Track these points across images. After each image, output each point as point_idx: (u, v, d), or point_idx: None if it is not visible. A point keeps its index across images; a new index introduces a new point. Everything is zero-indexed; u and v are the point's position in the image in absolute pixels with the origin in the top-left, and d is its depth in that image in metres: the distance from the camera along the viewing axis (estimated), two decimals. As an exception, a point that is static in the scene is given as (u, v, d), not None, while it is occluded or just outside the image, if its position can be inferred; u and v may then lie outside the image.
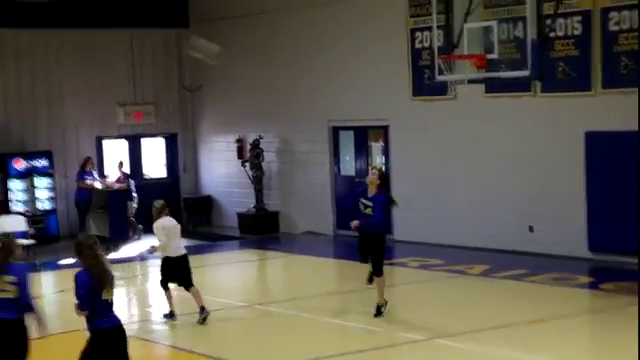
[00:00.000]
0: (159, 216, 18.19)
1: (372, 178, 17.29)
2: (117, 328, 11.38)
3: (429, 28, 23.24)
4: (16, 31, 30.16)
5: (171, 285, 18.03)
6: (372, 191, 17.12)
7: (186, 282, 17.91)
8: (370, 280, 17.27)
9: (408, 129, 26.13)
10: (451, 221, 24.82)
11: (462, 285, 21.07)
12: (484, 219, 24.09)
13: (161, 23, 32.63)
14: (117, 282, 18.38)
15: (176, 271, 17.93)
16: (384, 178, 17.72)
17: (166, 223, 18.01)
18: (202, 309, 17.67)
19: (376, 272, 17.10)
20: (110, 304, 11.39)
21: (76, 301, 11.17)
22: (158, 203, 18.88)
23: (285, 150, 29.93)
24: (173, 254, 17.89)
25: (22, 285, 11.80)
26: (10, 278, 11.81)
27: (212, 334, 17.89)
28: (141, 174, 32.31)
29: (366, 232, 17.18)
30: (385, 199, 17.34)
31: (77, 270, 11.32)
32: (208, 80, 32.41)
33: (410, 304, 19.76)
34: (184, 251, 18.14)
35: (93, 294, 11.15)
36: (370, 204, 17.00)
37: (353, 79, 27.47)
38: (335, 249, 26.76)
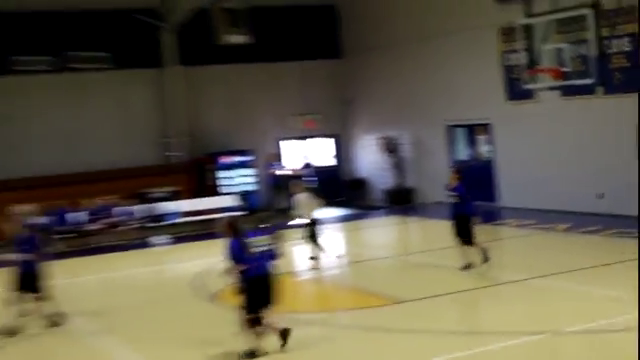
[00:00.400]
0: (297, 192, 19.07)
1: (452, 176, 17.23)
2: (263, 275, 11.63)
3: (516, 50, 22.94)
4: (223, 66, 30.71)
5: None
6: (453, 184, 16.94)
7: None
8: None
9: (505, 125, 25.78)
10: (541, 190, 24.32)
11: (550, 239, 20.71)
12: (566, 189, 23.54)
13: (322, 56, 32.73)
14: (296, 240, 18.86)
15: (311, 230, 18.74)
16: (460, 173, 17.32)
17: (301, 198, 18.83)
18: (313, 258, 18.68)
19: (470, 244, 16.64)
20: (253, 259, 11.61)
21: (231, 261, 11.53)
22: (295, 184, 20.08)
23: (416, 143, 29.71)
24: (308, 219, 18.67)
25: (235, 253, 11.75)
26: None
27: (366, 275, 18.17)
28: (314, 164, 32.06)
29: (458, 215, 16.72)
30: (464, 187, 16.89)
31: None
32: (358, 95, 32.47)
33: (510, 253, 19.84)
34: (314, 217, 18.84)
35: (244, 254, 11.49)
36: (456, 194, 16.77)
37: (462, 90, 27.19)
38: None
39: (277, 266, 12.18)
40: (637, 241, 16.01)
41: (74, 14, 28.62)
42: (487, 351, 11.16)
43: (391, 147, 30.33)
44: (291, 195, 20.08)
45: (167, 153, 30.33)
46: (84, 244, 25.00)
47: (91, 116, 29.39)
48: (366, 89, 31.98)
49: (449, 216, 17.10)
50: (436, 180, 28.32)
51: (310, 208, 18.91)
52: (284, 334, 11.60)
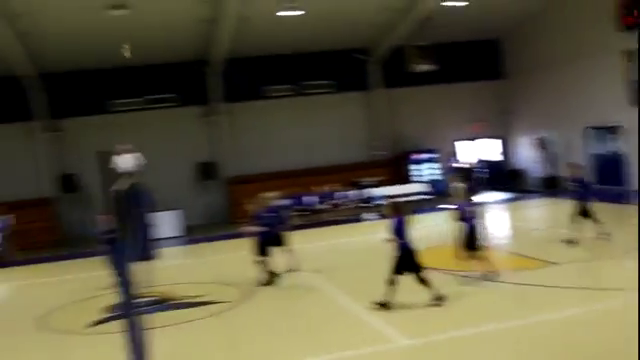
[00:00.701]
0: (455, 183, 18.44)
1: (571, 170, 16.83)
2: (411, 248, 11.59)
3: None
4: (415, 87, 30.61)
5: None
6: (573, 175, 16.48)
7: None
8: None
9: (633, 126, 24.30)
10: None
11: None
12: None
13: (488, 78, 32.09)
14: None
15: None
16: (577, 166, 16.98)
17: (456, 187, 17.99)
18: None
19: (595, 221, 15.95)
20: (408, 235, 11.60)
21: (393, 235, 11.54)
22: (453, 176, 20.10)
23: (562, 141, 28.59)
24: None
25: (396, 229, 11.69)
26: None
27: (524, 243, 17.67)
28: (483, 160, 31.64)
29: (580, 201, 16.09)
30: (582, 178, 16.39)
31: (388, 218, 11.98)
32: (517, 106, 31.67)
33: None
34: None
35: (403, 230, 11.55)
36: (575, 183, 16.23)
37: (597, 99, 26.12)
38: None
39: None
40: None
41: (307, 55, 29.59)
42: (617, 305, 10.81)
43: (543, 145, 29.47)
44: (449, 185, 20.02)
45: (374, 152, 30.73)
46: (315, 219, 25.80)
47: (320, 127, 30.26)
48: (523, 101, 31.17)
49: (574, 199, 16.44)
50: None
51: (463, 196, 18.61)
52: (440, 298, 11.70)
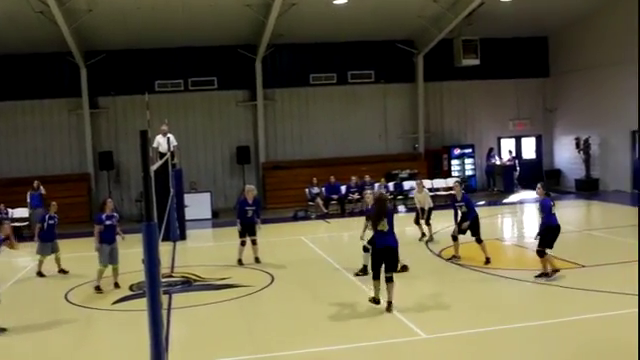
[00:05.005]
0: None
1: None
2: (386, 247, 11.40)
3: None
4: (455, 82, 30.22)
5: None
6: None
7: None
8: None
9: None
10: None
11: None
12: None
13: (533, 75, 31.21)
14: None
15: None
16: None
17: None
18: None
19: None
20: (384, 232, 11.39)
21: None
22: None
23: (602, 143, 27.98)
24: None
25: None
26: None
27: (557, 245, 16.60)
28: (521, 157, 31.23)
29: None
30: None
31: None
32: (559, 105, 30.90)
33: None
34: None
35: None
36: None
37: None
38: (632, 200, 24.74)
39: None
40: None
41: (351, 44, 29.27)
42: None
43: (582, 146, 28.73)
44: None
45: (413, 145, 30.36)
46: (344, 209, 25.66)
47: (359, 117, 29.90)
48: (566, 101, 30.38)
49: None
50: (617, 173, 27.14)
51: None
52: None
